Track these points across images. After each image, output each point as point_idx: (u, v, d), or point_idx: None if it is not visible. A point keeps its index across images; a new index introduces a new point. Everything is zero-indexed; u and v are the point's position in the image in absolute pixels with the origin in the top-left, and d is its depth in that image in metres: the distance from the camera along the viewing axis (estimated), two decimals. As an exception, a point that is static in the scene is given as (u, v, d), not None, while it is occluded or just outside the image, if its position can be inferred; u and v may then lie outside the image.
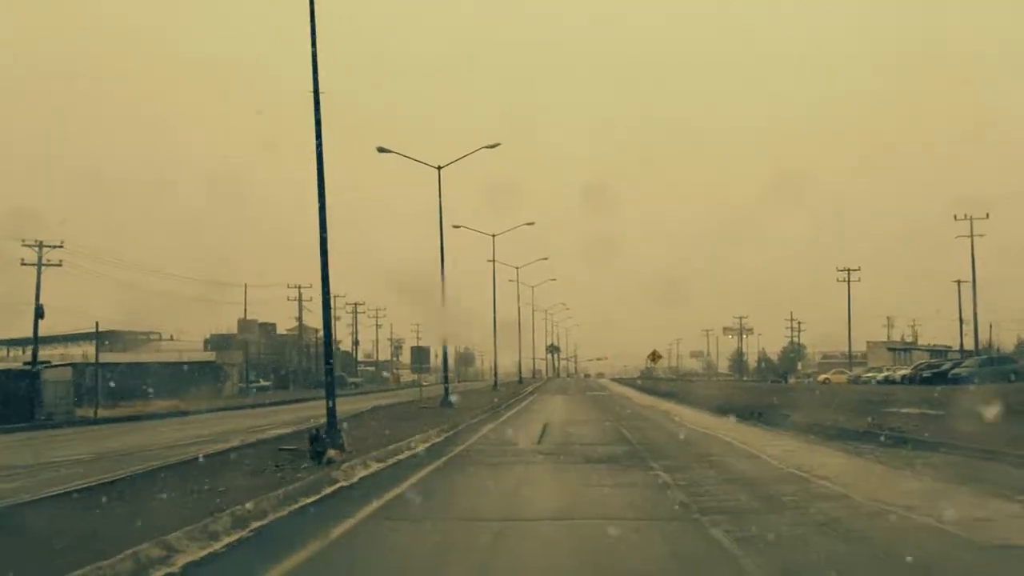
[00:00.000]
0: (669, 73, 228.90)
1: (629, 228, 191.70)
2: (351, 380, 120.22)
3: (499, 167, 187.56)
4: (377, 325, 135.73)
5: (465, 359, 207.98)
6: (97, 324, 66.46)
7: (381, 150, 50.14)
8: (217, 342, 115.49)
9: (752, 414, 35.15)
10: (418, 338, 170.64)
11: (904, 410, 32.48)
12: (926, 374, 69.89)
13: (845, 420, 27.96)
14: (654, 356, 77.15)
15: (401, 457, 22.46)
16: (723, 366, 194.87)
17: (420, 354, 71.60)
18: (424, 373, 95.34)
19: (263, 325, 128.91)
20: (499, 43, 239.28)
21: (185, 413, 54.79)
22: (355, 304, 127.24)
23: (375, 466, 20.34)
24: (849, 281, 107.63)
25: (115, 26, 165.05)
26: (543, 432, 29.64)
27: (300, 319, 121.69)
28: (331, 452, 19.83)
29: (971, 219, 79.79)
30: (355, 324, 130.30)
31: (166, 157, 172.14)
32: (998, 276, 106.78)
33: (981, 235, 79.79)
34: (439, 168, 50.12)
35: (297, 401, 68.56)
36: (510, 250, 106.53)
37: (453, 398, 47.83)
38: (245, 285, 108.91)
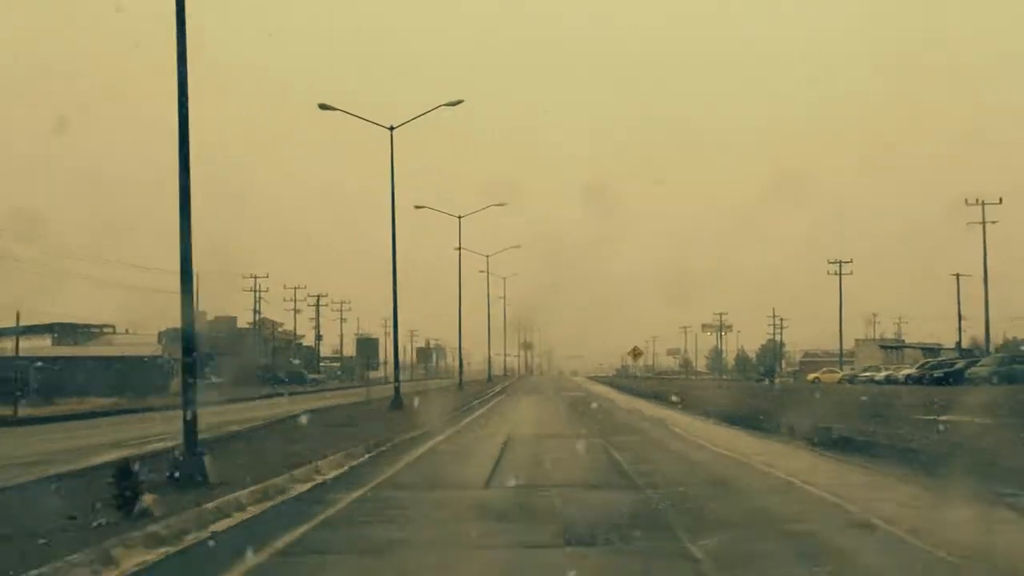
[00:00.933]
0: (665, 72, 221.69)
1: (611, 226, 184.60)
2: (312, 376, 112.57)
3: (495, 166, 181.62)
4: (342, 319, 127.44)
5: (436, 354, 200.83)
6: (18, 315, 58.49)
7: (323, 107, 43.56)
8: (173, 336, 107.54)
9: (769, 424, 27.57)
10: (385, 333, 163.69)
11: (977, 419, 25.11)
12: (937, 374, 62.46)
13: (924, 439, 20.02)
14: (635, 353, 69.57)
15: (286, 496, 14.67)
16: (700, 364, 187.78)
17: (367, 347, 63.43)
18: (374, 369, 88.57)
19: (222, 318, 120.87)
20: (497, 44, 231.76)
21: (109, 413, 48.95)
22: (318, 296, 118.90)
23: (227, 521, 12.50)
24: (840, 274, 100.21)
25: None
26: (501, 455, 21.14)
27: (257, 311, 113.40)
28: (147, 498, 12.12)
29: (983, 204, 72.35)
30: (318, 317, 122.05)
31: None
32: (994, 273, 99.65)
33: (994, 221, 72.35)
34: (391, 128, 43.37)
35: (240, 400, 60.82)
36: (478, 240, 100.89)
37: (414, 400, 40.71)
38: (196, 274, 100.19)
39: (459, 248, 68.43)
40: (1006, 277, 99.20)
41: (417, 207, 67.22)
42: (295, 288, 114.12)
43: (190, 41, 16.22)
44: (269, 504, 13.87)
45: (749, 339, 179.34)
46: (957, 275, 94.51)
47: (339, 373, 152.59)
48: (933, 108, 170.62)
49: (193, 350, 17.20)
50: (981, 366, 59.43)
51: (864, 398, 42.68)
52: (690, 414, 36.60)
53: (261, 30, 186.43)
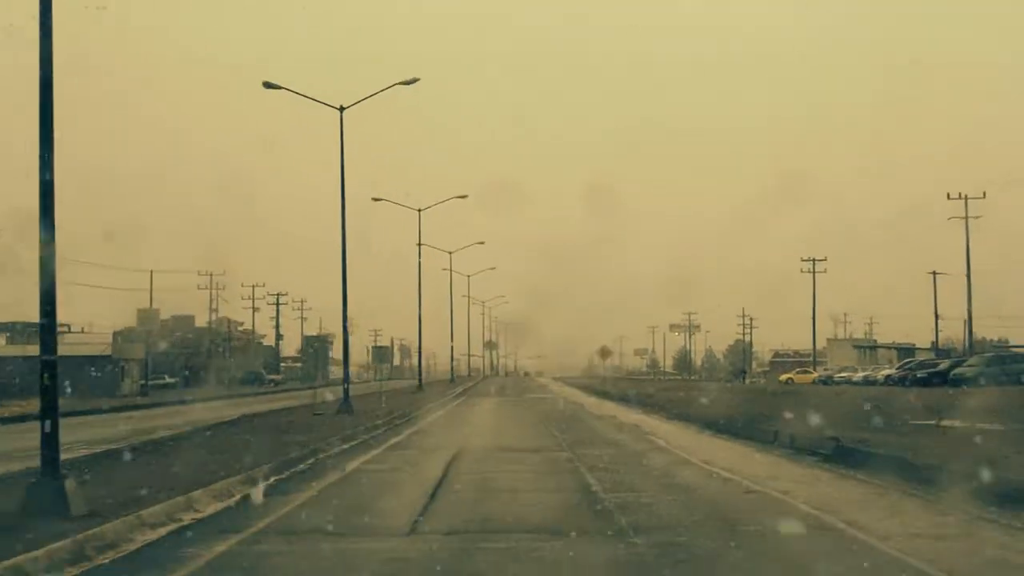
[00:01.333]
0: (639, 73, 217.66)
1: (583, 227, 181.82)
2: (271, 377, 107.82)
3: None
4: (302, 318, 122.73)
5: (401, 353, 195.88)
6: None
7: (268, 85, 40.98)
8: (127, 336, 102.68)
9: (762, 432, 23.54)
10: (345, 332, 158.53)
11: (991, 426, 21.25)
12: (921, 374, 58.76)
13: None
14: (603, 352, 65.42)
15: (120, 551, 10.34)
16: (668, 364, 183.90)
17: (316, 345, 58.80)
18: (322, 369, 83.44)
19: (180, 317, 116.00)
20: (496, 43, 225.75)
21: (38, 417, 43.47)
22: (277, 295, 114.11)
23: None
24: (814, 272, 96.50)
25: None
26: (442, 481, 16.43)
27: (217, 309, 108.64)
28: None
29: (966, 199, 68.72)
30: (277, 316, 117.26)
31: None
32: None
33: (978, 216, 68.69)
34: (341, 108, 40.38)
35: (183, 403, 56.34)
36: (442, 236, 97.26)
37: (366, 403, 36.53)
38: (151, 272, 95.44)
39: (420, 244, 64.38)
40: (982, 276, 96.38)
41: (375, 199, 63.22)
42: (254, 286, 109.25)
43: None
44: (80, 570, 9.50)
45: (717, 339, 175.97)
46: (934, 273, 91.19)
47: (301, 374, 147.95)
48: (912, 108, 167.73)
49: (53, 330, 12.82)
50: (968, 366, 55.72)
51: (865, 402, 39.02)
52: (669, 420, 32.42)
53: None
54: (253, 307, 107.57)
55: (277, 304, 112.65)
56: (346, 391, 38.25)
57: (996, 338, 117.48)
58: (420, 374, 65.04)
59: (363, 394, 51.59)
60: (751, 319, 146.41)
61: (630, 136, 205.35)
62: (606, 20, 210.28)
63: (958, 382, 51.99)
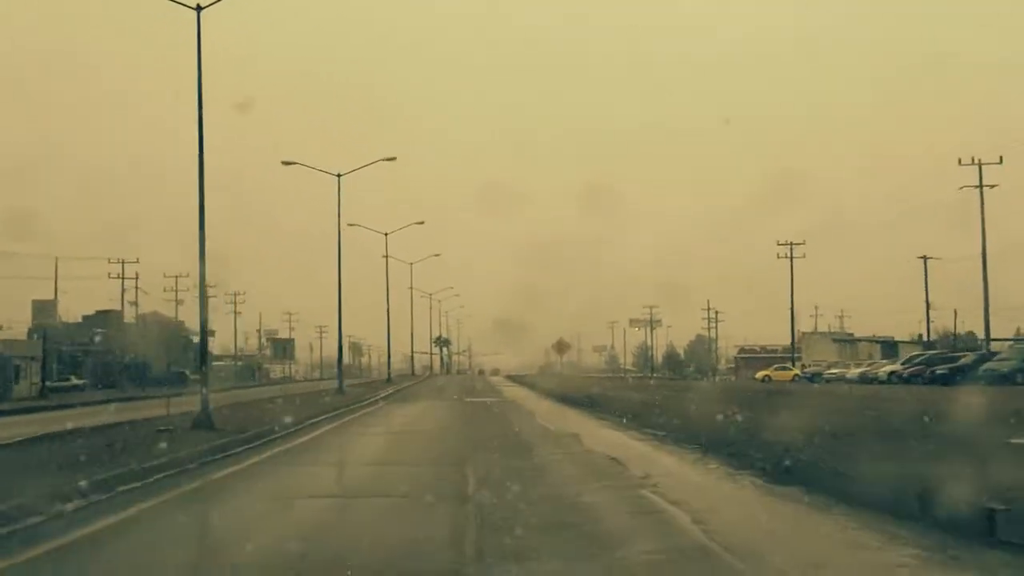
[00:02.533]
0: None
1: (536, 224, 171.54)
2: (193, 377, 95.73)
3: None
4: (235, 312, 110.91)
5: (353, 351, 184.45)
6: None
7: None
8: (45, 333, 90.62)
9: (836, 475, 12.69)
10: (291, 328, 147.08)
11: None
12: (940, 370, 48.45)
13: None
14: (560, 346, 54.53)
15: None
16: (627, 362, 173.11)
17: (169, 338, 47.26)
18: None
19: (104, 313, 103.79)
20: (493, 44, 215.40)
21: None
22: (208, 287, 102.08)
23: None
24: (792, 257, 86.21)
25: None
26: None
27: (136, 303, 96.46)
28: None
29: (980, 164, 58.28)
30: (203, 310, 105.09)
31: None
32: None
33: (993, 185, 58.24)
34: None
35: (61, 407, 45.28)
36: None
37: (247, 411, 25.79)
38: (56, 259, 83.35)
39: (339, 215, 53.64)
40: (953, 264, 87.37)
41: (285, 163, 52.34)
42: (177, 276, 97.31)
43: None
44: None
45: (679, 335, 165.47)
46: (924, 257, 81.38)
47: (237, 372, 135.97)
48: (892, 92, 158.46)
49: None
50: (1002, 361, 45.50)
51: (889, 408, 28.65)
52: (662, 442, 21.29)
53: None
54: (176, 299, 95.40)
55: (202, 295, 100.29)
56: (205, 400, 27.05)
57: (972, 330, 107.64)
58: (340, 374, 53.50)
59: (257, 400, 40.41)
60: (716, 312, 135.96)
61: (617, 135, 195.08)
62: (606, 20, 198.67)
63: (993, 379, 41.91)
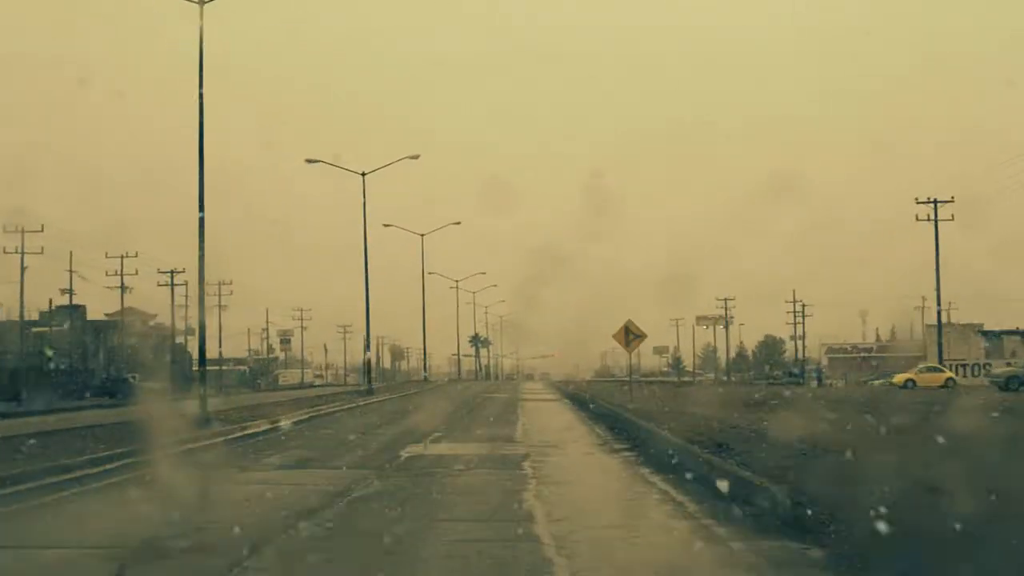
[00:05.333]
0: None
1: (594, 220, 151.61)
2: (149, 385, 74.79)
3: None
4: (220, 305, 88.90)
5: (391, 355, 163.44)
6: None
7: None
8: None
9: None
10: (303, 327, 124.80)
11: None
12: None
13: None
14: (628, 334, 31.63)
15: None
16: (692, 363, 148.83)
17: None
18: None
19: (66, 308, 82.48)
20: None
21: None
22: (172, 271, 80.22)
23: None
24: (936, 220, 62.18)
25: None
26: None
27: (72, 292, 74.54)
28: None
29: None
30: (179, 304, 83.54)
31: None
32: None
33: None
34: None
35: None
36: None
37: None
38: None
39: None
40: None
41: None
42: (122, 256, 75.33)
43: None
44: None
45: (750, 333, 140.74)
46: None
47: (250, 373, 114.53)
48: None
49: None
50: None
51: None
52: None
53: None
54: (122, 285, 73.43)
55: (172, 283, 78.61)
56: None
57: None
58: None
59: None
60: (803, 305, 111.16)
61: (635, 124, 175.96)
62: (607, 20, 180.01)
63: None
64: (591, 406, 32.93)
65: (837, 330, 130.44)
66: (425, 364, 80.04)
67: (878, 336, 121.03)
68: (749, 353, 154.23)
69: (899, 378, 58.71)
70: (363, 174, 50.40)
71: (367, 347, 52.30)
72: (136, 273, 72.70)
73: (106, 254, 71.26)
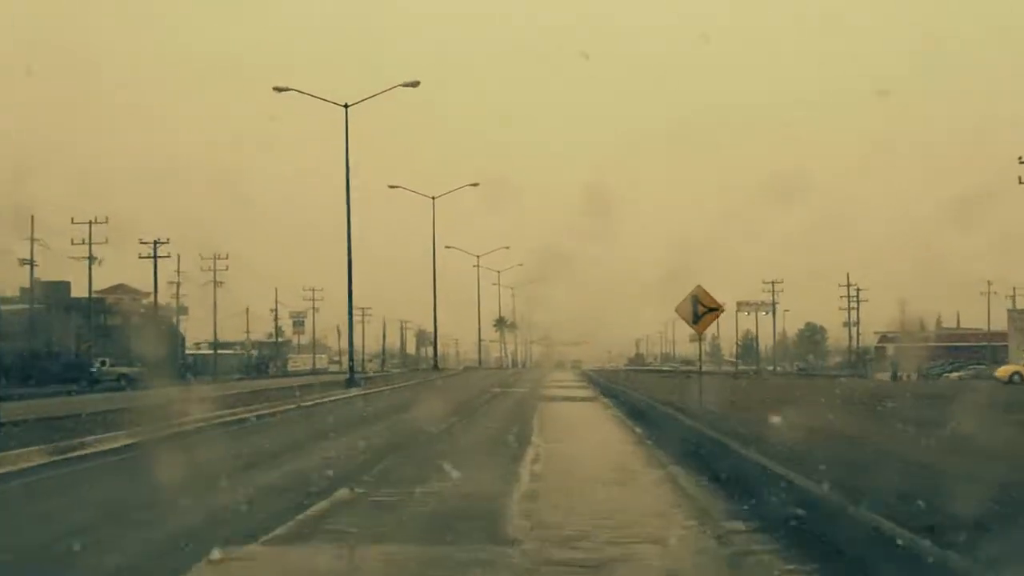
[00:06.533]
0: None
1: (627, 202, 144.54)
2: (123, 372, 64.96)
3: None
4: (215, 280, 79.42)
5: (416, 340, 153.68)
6: None
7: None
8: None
9: None
10: (314, 309, 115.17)
11: None
12: None
13: None
14: (697, 305, 21.42)
15: None
16: (730, 352, 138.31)
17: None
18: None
19: (51, 284, 73.33)
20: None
21: None
22: (155, 242, 70.50)
23: None
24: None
25: None
26: None
27: (34, 262, 64.81)
28: None
29: None
30: (155, 271, 74.01)
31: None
32: None
33: None
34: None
35: None
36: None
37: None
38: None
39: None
40: None
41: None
42: (91, 222, 65.45)
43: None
44: None
45: (791, 320, 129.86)
46: None
47: (255, 358, 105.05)
48: None
49: None
50: None
51: None
52: None
53: None
54: (90, 256, 63.64)
55: (155, 255, 68.85)
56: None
57: None
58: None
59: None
60: (858, 290, 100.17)
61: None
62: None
63: None
64: (651, 414, 22.53)
65: (886, 319, 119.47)
66: (436, 349, 70.37)
67: (939, 323, 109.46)
68: (790, 342, 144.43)
69: (1003, 371, 48.20)
70: (346, 105, 45.13)
71: (351, 328, 40.96)
72: (106, 242, 62.50)
73: (72, 219, 61.07)
